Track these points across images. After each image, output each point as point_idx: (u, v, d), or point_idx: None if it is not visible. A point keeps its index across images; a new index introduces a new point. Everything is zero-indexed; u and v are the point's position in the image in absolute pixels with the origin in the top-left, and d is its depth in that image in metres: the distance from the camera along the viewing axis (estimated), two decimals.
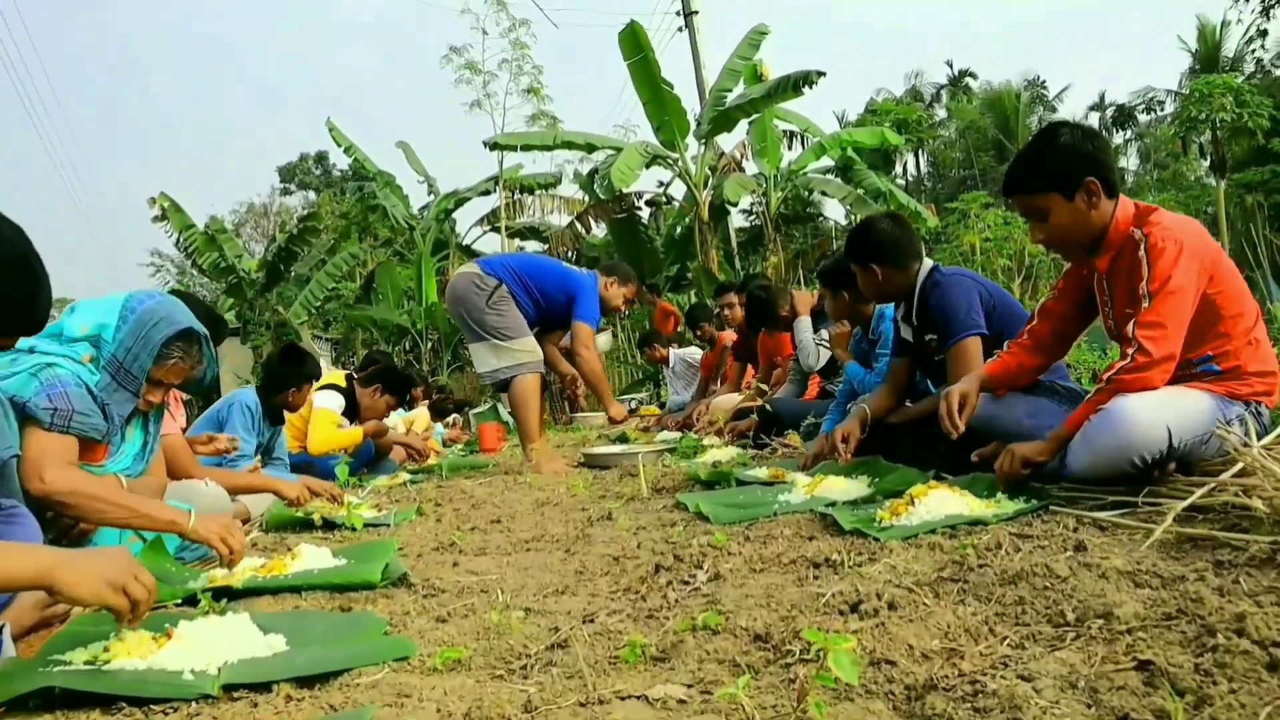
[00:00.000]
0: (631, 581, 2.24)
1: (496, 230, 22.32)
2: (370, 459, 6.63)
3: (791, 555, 2.26)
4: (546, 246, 21.10)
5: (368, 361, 7.82)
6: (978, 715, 1.20)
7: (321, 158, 53.14)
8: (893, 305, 4.21)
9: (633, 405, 13.68)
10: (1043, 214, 2.79)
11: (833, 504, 2.96)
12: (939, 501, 2.50)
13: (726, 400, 7.04)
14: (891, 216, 3.83)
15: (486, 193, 22.12)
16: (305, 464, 5.69)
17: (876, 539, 2.33)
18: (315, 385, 6.23)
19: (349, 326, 23.84)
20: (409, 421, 10.76)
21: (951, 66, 49.33)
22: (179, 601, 2.48)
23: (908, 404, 3.93)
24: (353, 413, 6.33)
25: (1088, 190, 2.71)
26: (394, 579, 2.56)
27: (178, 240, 21.54)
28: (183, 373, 2.95)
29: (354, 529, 3.71)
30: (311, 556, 2.81)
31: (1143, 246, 2.61)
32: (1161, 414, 2.42)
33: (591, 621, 1.90)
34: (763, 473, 4.00)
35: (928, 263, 3.72)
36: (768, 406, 5.43)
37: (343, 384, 6.28)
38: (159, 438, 3.15)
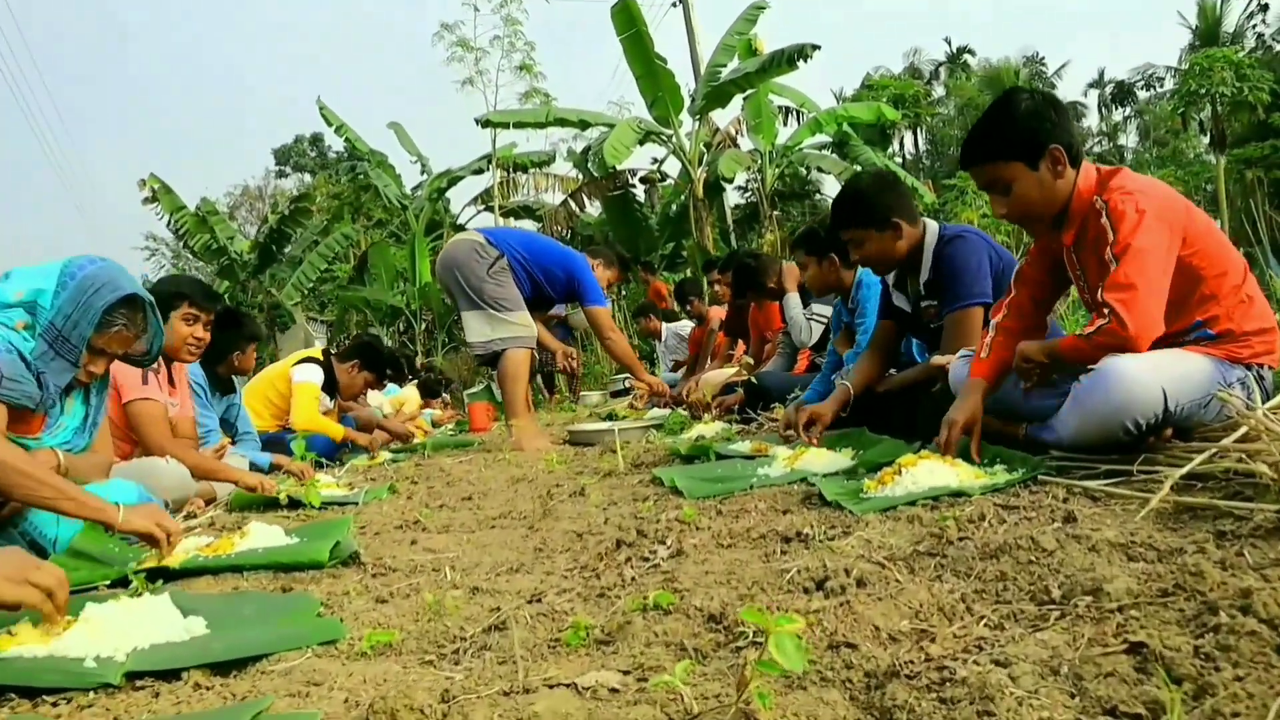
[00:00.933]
0: (590, 559, 2.09)
1: (490, 209, 22.09)
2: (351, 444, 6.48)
3: (762, 529, 2.11)
4: (540, 225, 20.89)
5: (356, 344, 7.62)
6: (943, 706, 1.04)
7: (317, 140, 52.89)
8: (869, 272, 4.05)
9: (626, 384, 13.52)
10: (1004, 186, 2.59)
11: (813, 475, 2.81)
12: (926, 472, 2.34)
13: (715, 375, 6.87)
14: (879, 175, 3.63)
15: (479, 171, 21.87)
16: (277, 440, 5.53)
17: (853, 512, 2.17)
18: (292, 360, 6.09)
19: (342, 308, 23.64)
20: (399, 402, 10.62)
21: (950, 44, 49.04)
22: (109, 583, 2.32)
23: (893, 372, 3.77)
24: (331, 389, 6.18)
25: (1052, 158, 2.53)
26: (344, 557, 2.41)
27: (169, 222, 21.35)
28: (126, 341, 2.79)
29: (314, 507, 3.55)
30: (261, 535, 2.66)
31: (1104, 213, 2.43)
32: (1156, 376, 2.25)
33: (538, 601, 1.75)
34: (745, 447, 3.85)
35: (931, 224, 3.50)
36: (754, 380, 5.27)
37: (320, 358, 6.13)
38: (103, 410, 2.99)
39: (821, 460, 3.01)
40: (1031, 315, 2.80)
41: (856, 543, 1.82)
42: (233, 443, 5.25)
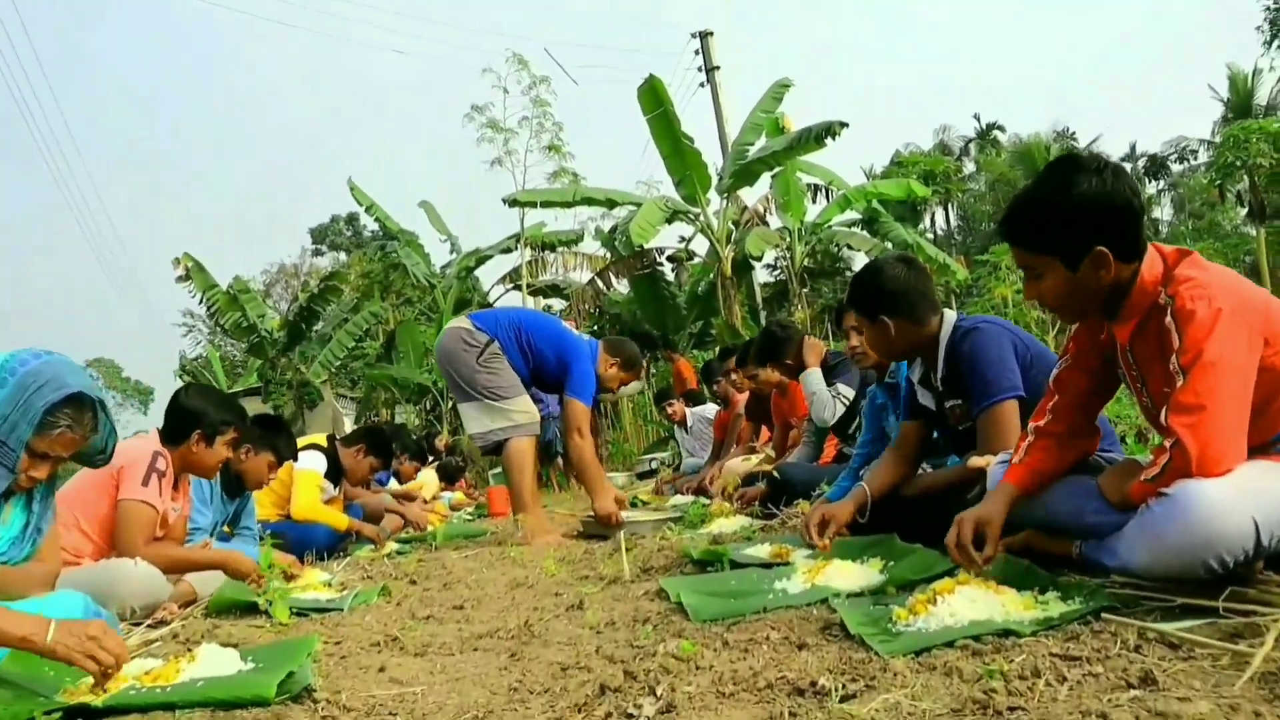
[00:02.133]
0: (566, 709, 1.77)
1: (518, 288, 22.02)
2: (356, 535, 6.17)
3: (771, 674, 1.78)
4: (568, 304, 20.77)
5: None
6: None
7: (352, 219, 53.57)
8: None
9: (653, 465, 13.17)
10: (1036, 273, 2.26)
11: (836, 595, 2.47)
12: (967, 602, 2.00)
13: (737, 464, 6.54)
14: (903, 259, 3.30)
15: (508, 250, 21.85)
16: (278, 534, 5.24)
17: (879, 654, 1.83)
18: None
19: (370, 386, 23.54)
20: (417, 486, 10.34)
21: (979, 120, 49.19)
22: None
23: (926, 468, 3.44)
24: (335, 475, 5.91)
25: (1096, 261, 2.14)
26: (295, 692, 2.10)
27: (201, 299, 21.43)
28: (72, 444, 2.53)
29: (283, 622, 3.24)
30: (212, 660, 2.36)
31: (1169, 311, 2.06)
32: (1245, 502, 1.85)
33: None
34: (764, 550, 3.51)
35: (949, 314, 3.20)
36: (776, 473, 4.93)
37: (324, 444, 5.87)
38: (48, 517, 2.72)
39: (846, 575, 2.67)
40: (1078, 421, 2.44)
41: (881, 707, 1.49)
42: (232, 534, 5.00)
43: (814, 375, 5.51)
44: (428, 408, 22.91)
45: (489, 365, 5.36)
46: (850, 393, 5.38)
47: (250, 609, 3.48)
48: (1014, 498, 2.34)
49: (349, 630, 2.94)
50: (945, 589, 2.07)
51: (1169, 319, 2.04)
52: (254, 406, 26.46)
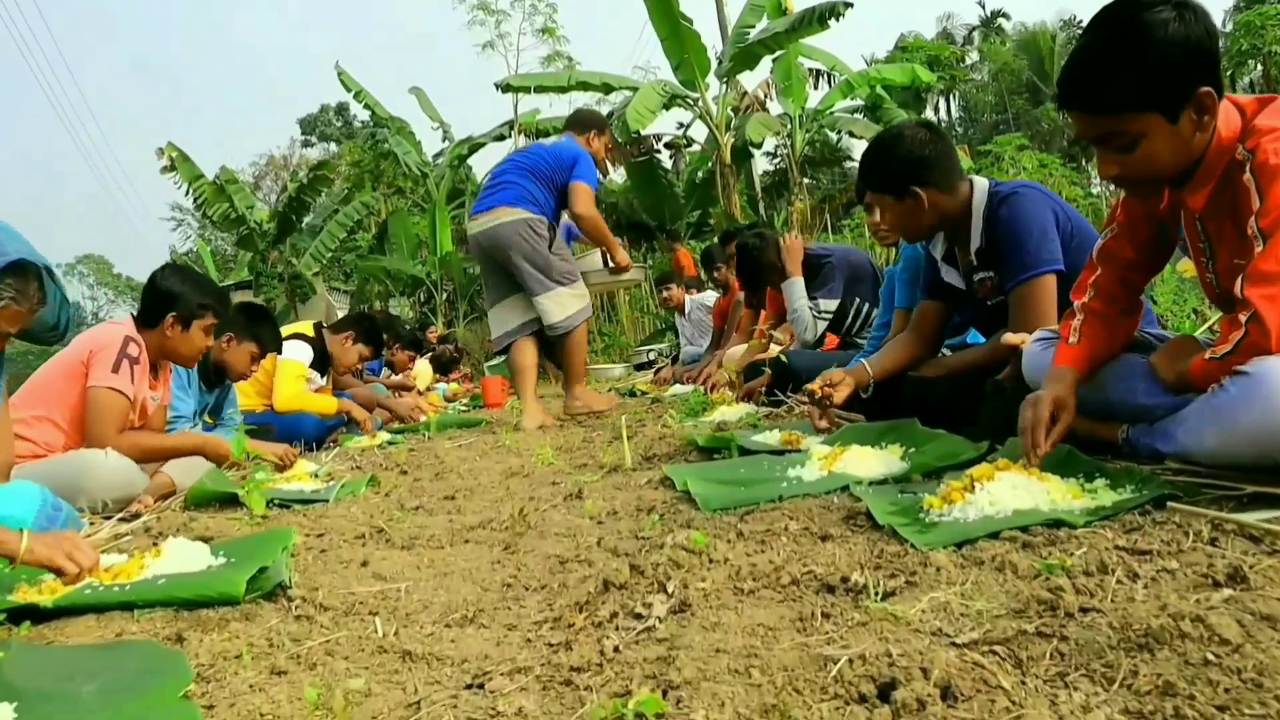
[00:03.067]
0: (565, 608, 1.58)
1: None
2: (347, 420, 5.98)
3: (795, 569, 1.59)
4: None
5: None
6: None
7: (342, 109, 52.41)
8: None
9: (651, 356, 12.99)
10: (1128, 141, 1.88)
11: (858, 483, 2.28)
12: (1008, 489, 1.80)
13: (737, 351, 6.33)
14: (923, 124, 2.99)
15: (501, 138, 21.30)
16: (265, 424, 5.05)
17: (914, 546, 1.64)
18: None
19: (363, 278, 23.21)
20: (412, 378, 10.16)
21: (984, 7, 47.76)
22: None
23: (946, 353, 3.22)
24: (323, 364, 5.71)
25: (1199, 105, 1.82)
26: (269, 589, 1.92)
27: (187, 191, 20.96)
28: (19, 317, 2.31)
29: (262, 515, 3.05)
30: (179, 555, 2.17)
31: (1247, 166, 1.78)
32: None
33: (478, 689, 1.25)
34: (774, 437, 3.32)
35: (980, 182, 2.90)
36: (783, 359, 4.71)
37: (310, 333, 5.65)
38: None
39: (866, 462, 2.48)
40: (1122, 298, 2.21)
41: (929, 607, 1.29)
42: (215, 424, 4.82)
43: (795, 286, 5.28)
44: (421, 300, 22.66)
45: (559, 251, 5.60)
46: (833, 305, 5.20)
47: (231, 501, 3.31)
48: (1077, 381, 2.12)
49: (332, 523, 2.76)
50: (983, 475, 1.87)
51: (1247, 175, 1.78)
52: (246, 299, 26.25)
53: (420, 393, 10.32)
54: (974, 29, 47.53)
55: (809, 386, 3.07)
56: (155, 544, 2.31)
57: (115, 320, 3.69)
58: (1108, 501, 1.74)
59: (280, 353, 4.86)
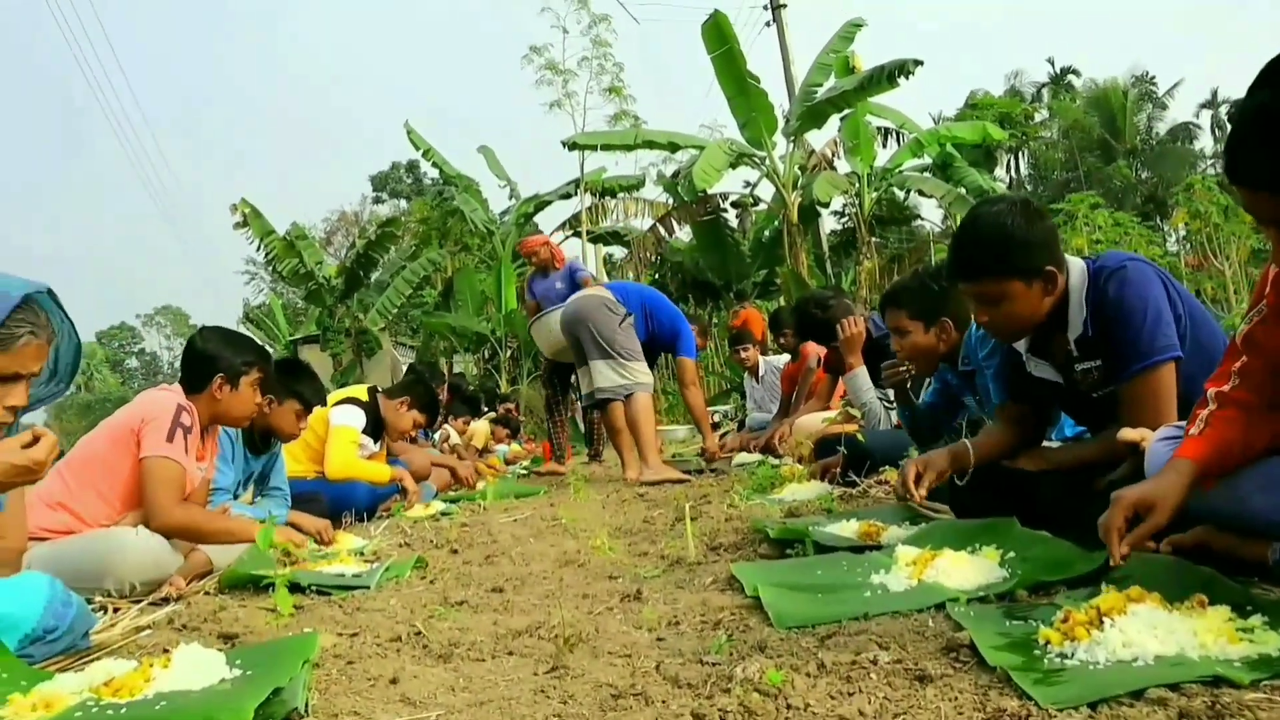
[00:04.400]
0: None
1: (578, 235, 21.58)
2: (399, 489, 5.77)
3: None
4: (629, 251, 20.28)
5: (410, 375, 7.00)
6: None
7: (413, 166, 53.32)
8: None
9: (715, 419, 12.70)
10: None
11: (954, 600, 1.99)
12: (1145, 626, 1.51)
13: (810, 422, 6.03)
14: (1021, 203, 2.57)
15: (567, 196, 21.40)
16: (313, 494, 4.88)
17: (1038, 705, 1.35)
18: (332, 400, 5.47)
19: (428, 334, 23.31)
20: (469, 437, 10.01)
21: (1053, 64, 47.26)
22: None
23: (1052, 443, 2.91)
24: (377, 430, 5.53)
25: None
26: (282, 716, 1.69)
27: (258, 246, 21.31)
28: (41, 353, 2.16)
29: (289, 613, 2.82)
30: (189, 666, 1.94)
31: None
32: None
33: None
34: (851, 528, 3.03)
35: (1075, 262, 2.55)
36: (859, 437, 4.41)
37: (364, 398, 5.48)
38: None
39: (960, 570, 2.19)
40: (1275, 390, 1.88)
41: None
42: (259, 495, 4.65)
43: (859, 379, 5.00)
44: (485, 356, 22.66)
45: (625, 332, 6.31)
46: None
47: (269, 585, 3.10)
48: (1193, 478, 1.82)
49: (368, 618, 2.53)
50: (1113, 606, 1.58)
51: None
52: (313, 354, 26.54)
53: (479, 452, 10.18)
54: (1043, 86, 46.98)
55: (896, 481, 2.78)
56: (166, 650, 2.09)
57: (165, 386, 3.55)
58: (1273, 649, 1.44)
59: (324, 404, 4.69)
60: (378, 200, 54.31)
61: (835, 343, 5.20)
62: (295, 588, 3.06)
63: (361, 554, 3.84)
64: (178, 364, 4.49)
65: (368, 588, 3.03)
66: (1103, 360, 2.49)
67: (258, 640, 2.41)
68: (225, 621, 2.64)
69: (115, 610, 2.90)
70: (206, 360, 3.51)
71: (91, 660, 2.24)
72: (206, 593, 3.19)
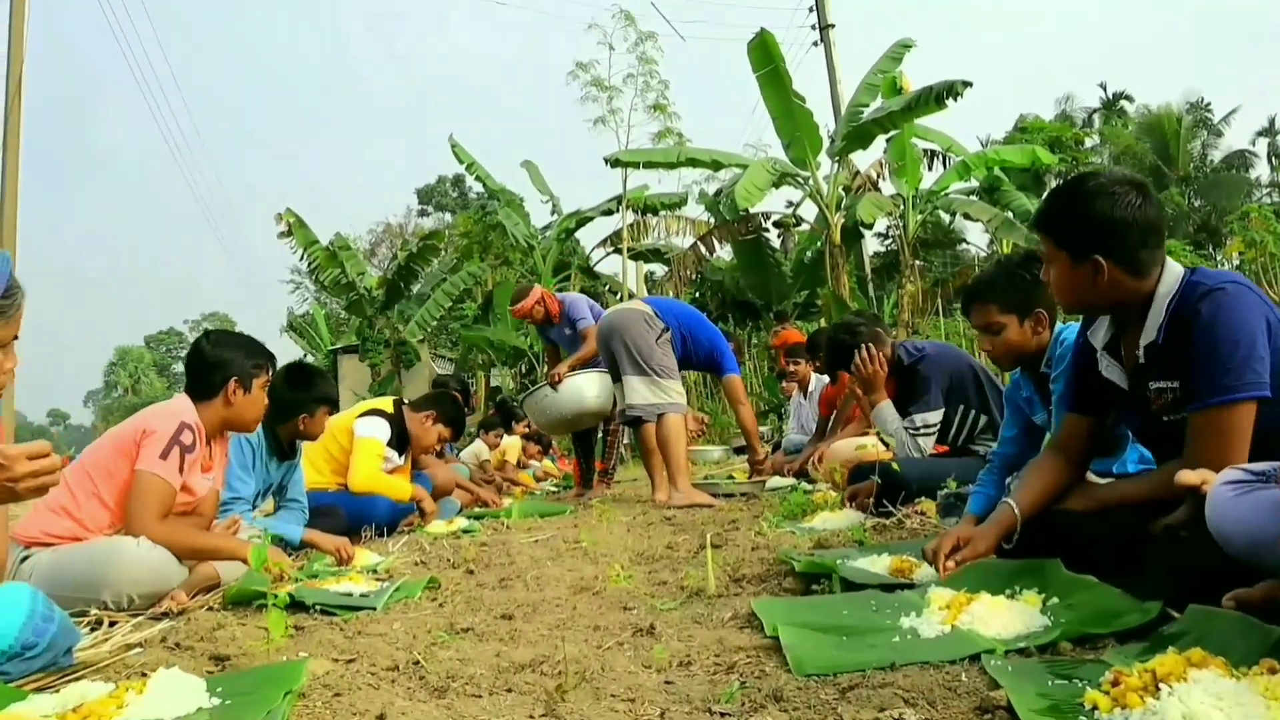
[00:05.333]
0: None
1: (619, 251, 21.50)
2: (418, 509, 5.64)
3: None
4: (669, 269, 20.15)
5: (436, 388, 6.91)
6: None
7: (458, 180, 53.56)
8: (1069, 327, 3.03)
9: (763, 436, 12.46)
10: None
11: (990, 651, 1.82)
12: (1208, 697, 1.33)
13: (845, 447, 5.84)
14: (1135, 183, 2.33)
15: (609, 212, 21.34)
16: (332, 507, 4.77)
17: None
18: (357, 410, 5.37)
19: (466, 347, 23.28)
20: (501, 452, 9.91)
21: (1105, 89, 46.59)
22: None
23: (1091, 477, 2.71)
24: (401, 443, 5.43)
25: None
26: None
27: (302, 255, 21.41)
28: (20, 315, 2.12)
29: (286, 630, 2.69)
30: (165, 694, 1.82)
31: None
32: None
33: None
34: (882, 564, 2.86)
35: (1174, 267, 2.32)
36: (893, 465, 4.21)
37: (390, 410, 5.38)
38: None
39: (998, 616, 2.01)
40: None
41: None
42: (278, 507, 4.56)
43: (884, 412, 4.76)
44: (523, 371, 22.58)
45: (663, 348, 6.12)
46: (935, 418, 4.65)
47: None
48: None
49: (367, 644, 2.40)
50: (1171, 671, 1.40)
51: None
52: (351, 364, 26.65)
53: (514, 465, 10.06)
54: (1094, 111, 46.33)
55: (939, 552, 2.55)
56: (145, 674, 1.97)
57: (179, 397, 3.45)
58: None
59: (336, 401, 4.63)
60: (423, 213, 54.61)
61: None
62: (299, 606, 2.96)
63: (375, 571, 3.73)
64: None
65: (374, 609, 2.91)
66: (1180, 383, 2.27)
67: (250, 663, 2.29)
68: (221, 641, 2.52)
69: (112, 624, 2.79)
70: (218, 366, 3.43)
71: (72, 679, 2.13)
72: (210, 608, 3.08)
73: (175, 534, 3.09)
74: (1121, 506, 2.35)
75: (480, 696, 1.93)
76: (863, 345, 4.72)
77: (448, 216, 50.40)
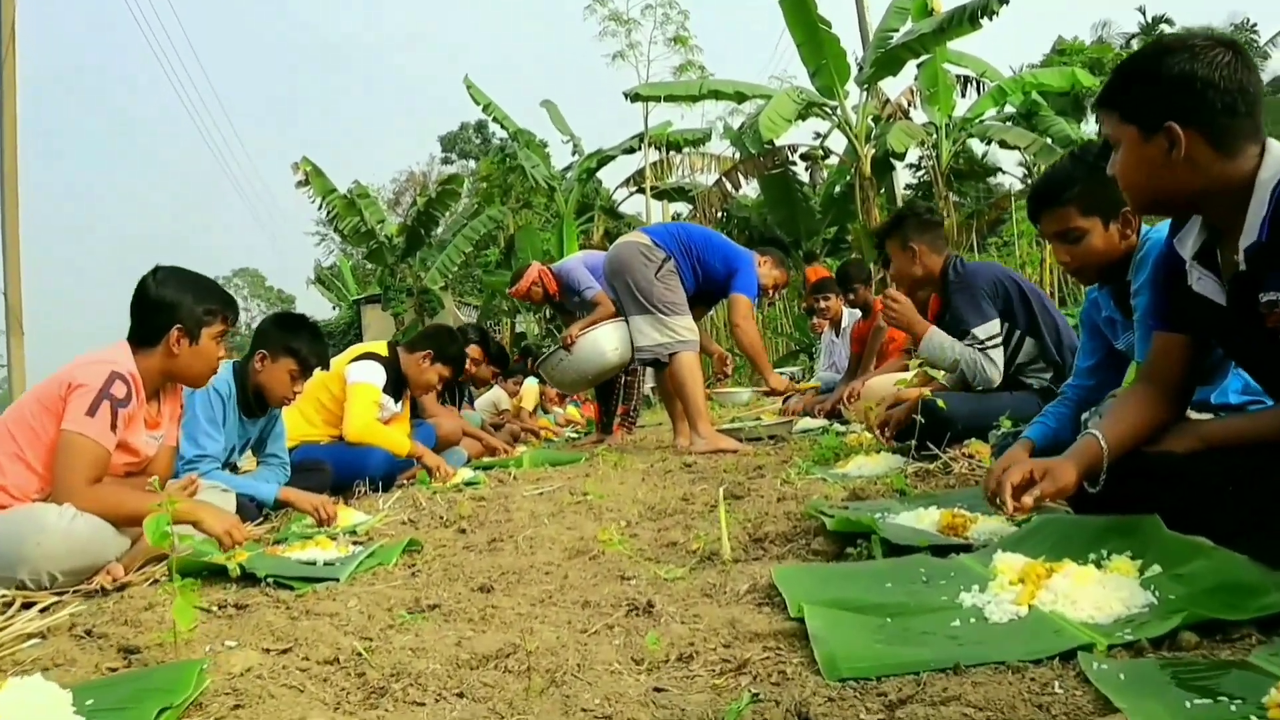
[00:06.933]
0: None
1: (642, 191, 20.95)
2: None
3: None
4: (693, 207, 19.57)
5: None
6: None
7: (481, 127, 52.80)
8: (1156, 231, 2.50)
9: (793, 377, 11.96)
10: None
11: (1086, 645, 1.37)
12: None
13: (882, 383, 5.37)
14: (1221, 40, 1.81)
15: (631, 151, 20.75)
16: (316, 462, 4.36)
17: None
18: (349, 355, 4.95)
19: (489, 293, 22.88)
20: (517, 400, 9.51)
21: (1144, 13, 44.99)
22: None
23: (1193, 415, 2.21)
24: (398, 389, 5.01)
25: None
26: None
27: (320, 204, 21.01)
28: None
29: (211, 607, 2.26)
30: (16, 711, 1.42)
31: None
32: None
33: None
34: (928, 518, 2.40)
35: (1276, 146, 1.77)
36: (939, 402, 3.70)
37: (384, 352, 4.96)
38: None
39: (1087, 592, 1.56)
40: None
41: None
42: (257, 463, 4.17)
43: (935, 338, 4.04)
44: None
45: (665, 280, 5.61)
46: (995, 326, 3.98)
47: (220, 572, 2.59)
48: None
49: (311, 627, 1.98)
50: None
51: None
52: (375, 313, 26.37)
53: (530, 413, 9.65)
54: (1133, 37, 44.75)
55: (1004, 482, 2.01)
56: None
57: (116, 344, 2.99)
58: None
59: (326, 367, 4.15)
60: (446, 161, 54.01)
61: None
62: (250, 579, 2.56)
63: (354, 533, 3.33)
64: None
65: (336, 580, 2.50)
66: None
67: (159, 659, 1.88)
68: (145, 625, 2.14)
69: (27, 606, 2.40)
70: (161, 309, 2.95)
71: None
72: (155, 581, 2.69)
73: (108, 500, 2.67)
74: (1239, 448, 1.85)
75: (423, 704, 1.52)
76: (889, 283, 4.16)
77: (471, 164, 49.79)
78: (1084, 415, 2.57)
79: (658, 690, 1.43)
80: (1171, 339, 2.08)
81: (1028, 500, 1.91)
